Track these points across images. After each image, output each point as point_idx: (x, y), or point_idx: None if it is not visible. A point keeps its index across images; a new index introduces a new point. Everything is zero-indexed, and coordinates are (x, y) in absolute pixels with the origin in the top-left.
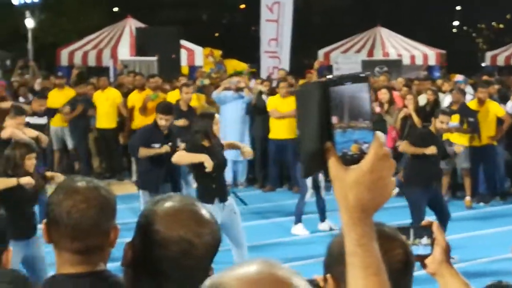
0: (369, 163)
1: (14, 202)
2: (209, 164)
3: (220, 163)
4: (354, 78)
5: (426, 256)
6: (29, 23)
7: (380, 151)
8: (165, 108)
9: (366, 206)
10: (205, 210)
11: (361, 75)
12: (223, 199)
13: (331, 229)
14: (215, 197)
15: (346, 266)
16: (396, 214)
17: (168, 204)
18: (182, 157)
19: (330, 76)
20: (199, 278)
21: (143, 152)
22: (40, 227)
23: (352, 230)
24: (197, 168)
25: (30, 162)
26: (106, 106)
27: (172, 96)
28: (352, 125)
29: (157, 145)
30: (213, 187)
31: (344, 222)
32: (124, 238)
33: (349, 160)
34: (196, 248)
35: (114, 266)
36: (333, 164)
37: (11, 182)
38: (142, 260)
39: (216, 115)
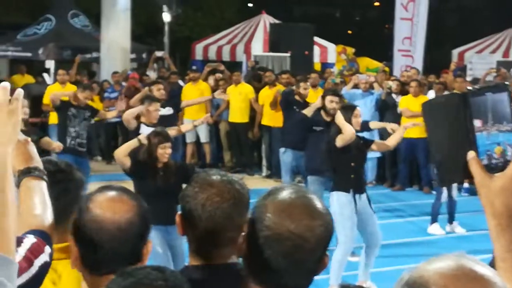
0: None
1: (154, 191)
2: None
3: (360, 156)
4: (494, 88)
5: None
6: (166, 17)
7: None
8: (336, 92)
9: None
10: (318, 200)
11: (501, 84)
12: (358, 191)
13: (448, 232)
14: (350, 188)
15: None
16: None
17: (279, 197)
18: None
19: (470, 88)
20: (312, 268)
21: None
22: None
23: (501, 236)
24: (338, 156)
25: (163, 151)
26: (239, 100)
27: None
28: (496, 128)
29: (318, 128)
30: (351, 177)
31: (492, 228)
32: None
33: (493, 168)
34: (309, 242)
35: None
36: (477, 172)
37: (133, 143)
38: (256, 253)
39: (358, 108)
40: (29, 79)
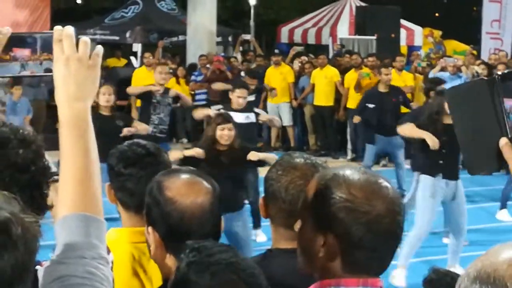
0: None
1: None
2: (432, 142)
3: (452, 141)
4: None
5: None
6: (252, 0)
7: None
8: (388, 64)
9: None
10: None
11: None
12: (447, 177)
13: None
14: (438, 173)
15: None
16: None
17: (354, 180)
18: (406, 130)
19: (499, 73)
20: (399, 243)
21: None
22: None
23: None
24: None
25: (223, 132)
26: (323, 84)
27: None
28: None
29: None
30: (439, 162)
31: None
32: None
33: None
34: (400, 215)
35: None
36: (510, 157)
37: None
38: (354, 243)
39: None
40: (124, 63)
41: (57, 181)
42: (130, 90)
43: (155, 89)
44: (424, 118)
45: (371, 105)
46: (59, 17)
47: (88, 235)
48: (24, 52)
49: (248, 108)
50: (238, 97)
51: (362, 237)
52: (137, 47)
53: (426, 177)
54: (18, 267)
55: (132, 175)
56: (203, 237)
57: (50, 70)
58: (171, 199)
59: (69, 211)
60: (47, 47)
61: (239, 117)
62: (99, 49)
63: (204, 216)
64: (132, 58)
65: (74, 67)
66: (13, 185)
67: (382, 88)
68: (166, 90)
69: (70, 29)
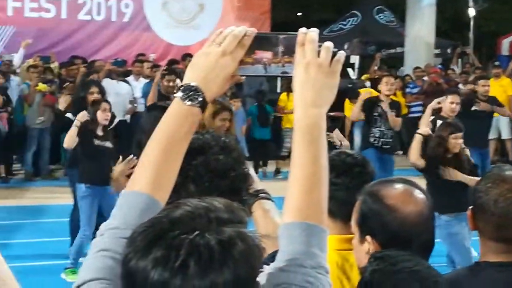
0: None
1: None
2: None
3: None
4: None
5: None
6: (472, 11)
7: None
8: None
9: None
10: None
11: None
12: None
13: None
14: None
15: None
16: None
17: None
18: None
19: None
20: None
21: None
22: None
23: None
24: None
25: (456, 141)
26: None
27: None
28: None
29: None
30: None
31: None
32: None
33: None
34: None
35: None
36: None
37: None
38: None
39: None
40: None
41: (262, 198)
42: (353, 112)
43: (384, 103)
44: None
45: None
46: (279, 29)
47: (309, 244)
48: (266, 55)
49: None
50: (451, 103)
51: None
52: (354, 59)
53: None
54: (240, 283)
55: (343, 185)
56: (419, 246)
57: (286, 73)
58: (392, 207)
59: (293, 218)
60: (290, 49)
61: None
62: (341, 55)
63: (422, 224)
64: (349, 69)
65: (313, 72)
66: (213, 190)
67: None
68: (394, 102)
69: (313, 34)
